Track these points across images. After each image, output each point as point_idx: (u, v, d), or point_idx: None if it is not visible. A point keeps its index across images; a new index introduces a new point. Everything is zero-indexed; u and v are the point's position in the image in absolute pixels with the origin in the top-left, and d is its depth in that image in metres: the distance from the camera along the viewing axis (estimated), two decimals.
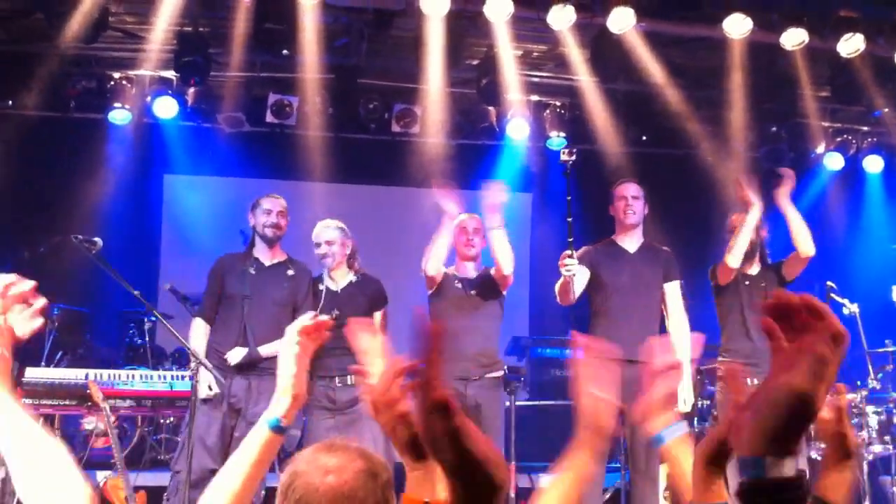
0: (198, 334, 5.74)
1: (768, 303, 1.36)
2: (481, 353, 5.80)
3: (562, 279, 5.59)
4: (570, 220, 5.58)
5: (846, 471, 2.32)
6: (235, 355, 5.60)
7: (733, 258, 5.83)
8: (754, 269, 6.04)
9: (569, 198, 5.65)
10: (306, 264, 6.05)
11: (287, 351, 2.11)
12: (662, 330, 5.91)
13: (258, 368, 5.65)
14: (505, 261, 5.77)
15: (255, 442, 2.05)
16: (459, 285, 5.93)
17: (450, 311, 5.87)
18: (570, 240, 5.57)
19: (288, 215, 6.00)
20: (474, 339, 5.79)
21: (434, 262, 5.82)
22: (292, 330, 2.12)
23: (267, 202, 5.92)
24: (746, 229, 5.81)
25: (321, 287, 5.92)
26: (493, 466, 1.49)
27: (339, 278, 5.95)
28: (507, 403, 6.38)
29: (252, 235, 5.97)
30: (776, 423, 1.26)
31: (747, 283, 5.96)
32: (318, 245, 5.91)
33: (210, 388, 5.46)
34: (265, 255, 5.90)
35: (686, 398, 5.71)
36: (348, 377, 5.71)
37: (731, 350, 5.89)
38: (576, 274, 5.54)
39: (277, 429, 2.05)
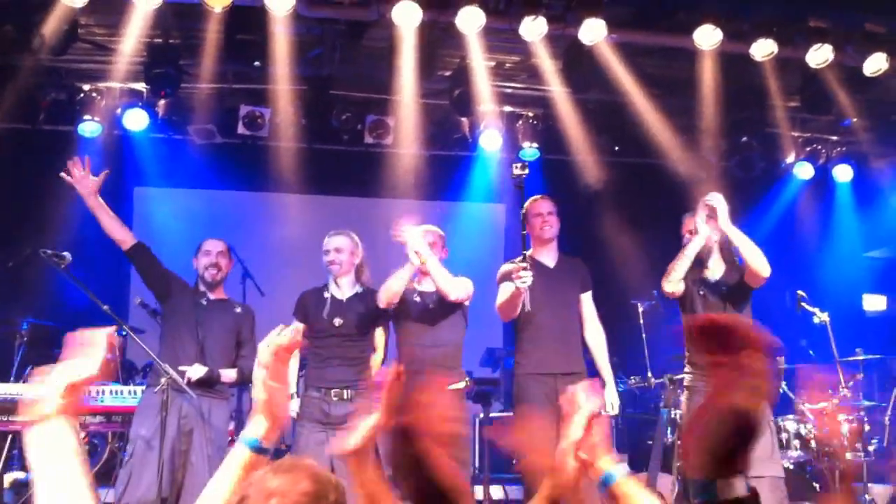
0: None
1: (696, 324, 1.38)
2: (441, 365, 5.80)
3: (512, 290, 5.67)
4: (524, 232, 5.72)
5: (848, 494, 2.33)
6: (196, 371, 5.58)
7: (669, 284, 5.84)
8: (716, 273, 5.91)
9: (523, 211, 5.85)
10: (249, 307, 6.19)
11: (257, 374, 2.07)
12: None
13: (214, 390, 5.67)
14: (446, 288, 5.81)
15: (236, 463, 2.03)
16: (419, 299, 5.97)
17: (410, 324, 5.93)
18: (526, 252, 5.67)
19: (231, 257, 6.11)
20: (434, 351, 5.80)
21: (384, 297, 5.83)
22: (264, 351, 2.08)
23: (207, 244, 6.03)
24: (686, 256, 5.79)
25: (326, 295, 5.91)
26: (457, 496, 1.49)
27: (345, 287, 5.93)
28: (481, 414, 6.38)
29: (197, 278, 6.05)
30: (722, 444, 1.27)
31: (702, 292, 5.85)
32: (327, 252, 5.91)
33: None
34: (210, 294, 6.00)
35: (613, 402, 5.96)
36: (345, 391, 5.68)
37: (695, 363, 5.81)
38: (529, 285, 5.61)
39: (258, 449, 2.02)
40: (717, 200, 5.70)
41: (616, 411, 5.98)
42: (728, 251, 5.90)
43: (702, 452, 1.29)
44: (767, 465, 5.44)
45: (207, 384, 5.63)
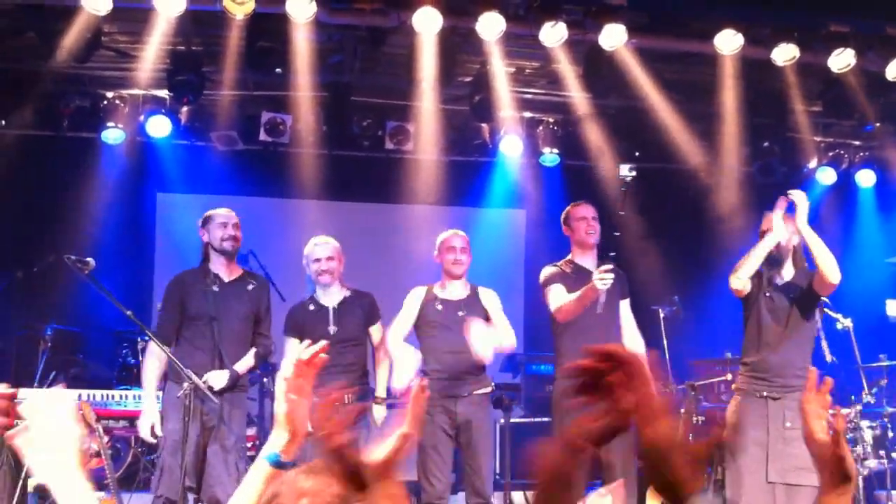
0: (153, 362, 5.51)
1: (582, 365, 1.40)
2: (469, 372, 5.81)
3: (586, 290, 5.55)
4: (617, 234, 5.66)
5: (845, 495, 2.29)
6: (219, 379, 5.47)
7: (736, 280, 5.56)
8: (785, 276, 5.65)
9: (622, 213, 5.88)
10: (263, 277, 6.00)
11: (279, 388, 2.10)
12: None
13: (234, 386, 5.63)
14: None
15: (257, 478, 2.05)
16: (440, 307, 5.92)
17: (434, 331, 5.89)
18: (612, 254, 5.60)
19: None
20: (462, 357, 5.79)
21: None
22: (286, 366, 2.11)
23: (220, 216, 5.78)
24: (758, 252, 5.51)
25: (314, 306, 5.90)
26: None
27: (334, 294, 5.93)
28: (502, 420, 6.39)
29: (205, 251, 5.81)
30: (656, 479, 1.29)
31: (768, 294, 5.60)
32: (318, 261, 5.87)
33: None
34: (224, 271, 5.77)
35: None
36: (345, 396, 5.69)
37: (747, 364, 5.65)
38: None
39: (277, 464, 2.04)
40: (799, 197, 5.47)
41: None
42: (801, 256, 5.65)
43: (657, 488, 1.32)
44: (807, 474, 5.15)
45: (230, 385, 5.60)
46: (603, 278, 5.42)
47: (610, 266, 5.51)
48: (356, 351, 5.87)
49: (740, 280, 5.56)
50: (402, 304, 6.00)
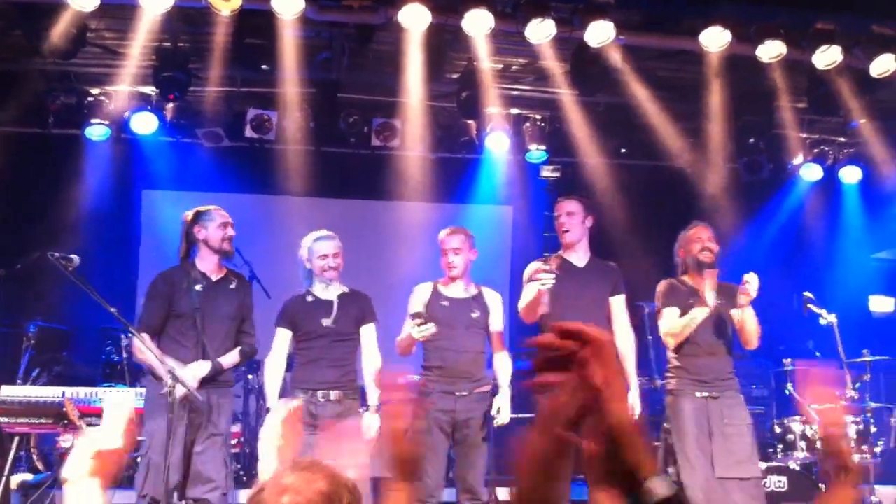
0: (147, 349, 5.30)
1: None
2: (470, 370, 5.80)
3: (533, 292, 5.61)
4: (546, 234, 5.69)
5: (848, 487, 2.34)
6: (201, 369, 5.42)
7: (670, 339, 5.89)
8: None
9: (547, 213, 5.87)
10: (244, 276, 5.93)
11: (266, 445, 2.18)
12: None
13: (217, 381, 5.56)
14: None
15: None
16: (447, 304, 5.90)
17: (441, 329, 5.77)
18: (547, 254, 5.63)
19: None
20: (464, 356, 5.81)
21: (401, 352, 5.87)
22: (274, 423, 2.18)
23: (220, 215, 5.69)
24: (691, 324, 5.77)
25: (310, 298, 5.86)
26: None
27: (332, 289, 5.89)
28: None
29: (188, 246, 5.70)
30: (615, 463, 1.29)
31: (692, 301, 5.81)
32: (325, 257, 5.82)
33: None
34: (213, 271, 5.69)
35: (634, 405, 5.82)
36: (331, 392, 5.66)
37: (681, 367, 5.84)
38: (549, 287, 5.55)
39: None
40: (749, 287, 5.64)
41: (636, 414, 5.88)
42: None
43: (613, 474, 1.31)
44: (749, 466, 5.61)
45: (211, 378, 5.51)
46: (541, 278, 5.49)
47: (545, 266, 5.56)
48: (347, 346, 5.82)
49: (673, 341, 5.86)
50: (386, 300, 5.99)
